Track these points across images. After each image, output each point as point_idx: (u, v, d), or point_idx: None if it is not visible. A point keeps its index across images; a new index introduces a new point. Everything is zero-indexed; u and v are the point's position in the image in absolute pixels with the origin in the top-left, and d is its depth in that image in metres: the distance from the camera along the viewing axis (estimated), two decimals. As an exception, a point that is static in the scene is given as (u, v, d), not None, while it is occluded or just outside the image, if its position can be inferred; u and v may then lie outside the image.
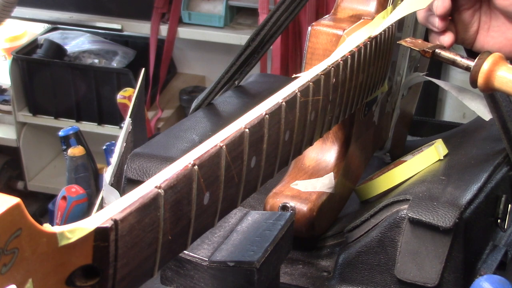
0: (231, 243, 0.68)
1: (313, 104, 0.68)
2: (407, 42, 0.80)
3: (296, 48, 2.20)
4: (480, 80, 0.72)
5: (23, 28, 2.54)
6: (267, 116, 0.60)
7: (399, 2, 0.89)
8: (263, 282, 0.67)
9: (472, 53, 0.80)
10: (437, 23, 0.76)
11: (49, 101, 2.32)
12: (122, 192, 0.85)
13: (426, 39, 1.02)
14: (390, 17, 0.81)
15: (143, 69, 1.14)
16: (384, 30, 0.83)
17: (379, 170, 0.91)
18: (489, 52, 0.72)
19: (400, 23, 0.93)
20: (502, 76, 0.71)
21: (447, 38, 0.77)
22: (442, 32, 0.77)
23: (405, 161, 0.88)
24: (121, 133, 0.94)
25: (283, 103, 0.62)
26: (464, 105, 0.90)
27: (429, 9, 0.76)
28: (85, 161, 1.25)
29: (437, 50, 0.76)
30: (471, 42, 0.79)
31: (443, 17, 0.75)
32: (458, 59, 0.75)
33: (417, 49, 0.77)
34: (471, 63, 0.73)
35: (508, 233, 0.90)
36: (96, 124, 2.31)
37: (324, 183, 0.83)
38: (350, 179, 0.89)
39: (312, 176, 0.84)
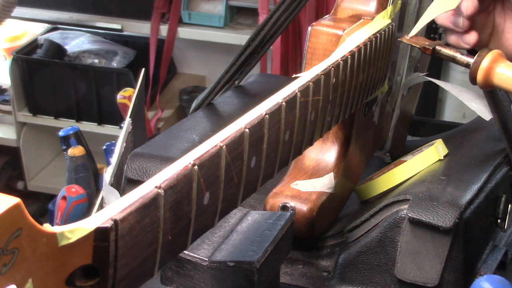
0: (231, 243, 0.68)
1: (313, 104, 0.68)
2: (407, 39, 0.79)
3: (296, 48, 2.20)
4: (480, 77, 0.72)
5: (23, 28, 2.54)
6: (267, 116, 0.60)
7: (399, 2, 0.89)
8: (263, 282, 0.67)
9: (472, 53, 0.80)
10: (462, 23, 0.75)
11: (49, 101, 2.32)
12: (122, 192, 0.85)
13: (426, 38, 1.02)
14: (421, 20, 0.80)
15: (143, 69, 1.13)
16: (384, 30, 0.83)
17: (379, 170, 0.91)
18: (489, 49, 0.72)
19: (400, 23, 0.93)
20: (501, 73, 0.71)
21: (473, 37, 0.76)
22: (467, 31, 0.76)
23: (405, 161, 0.88)
24: (121, 133, 0.94)
25: (283, 103, 0.62)
26: (464, 105, 0.90)
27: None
28: (85, 161, 1.25)
29: (438, 47, 0.76)
30: (485, 44, 0.78)
31: (470, 17, 0.75)
32: (458, 56, 0.75)
33: (418, 46, 0.77)
34: (470, 60, 0.73)
35: (508, 233, 0.90)
36: (96, 124, 2.31)
37: (324, 183, 0.83)
38: (350, 179, 0.89)
39: (312, 176, 0.84)
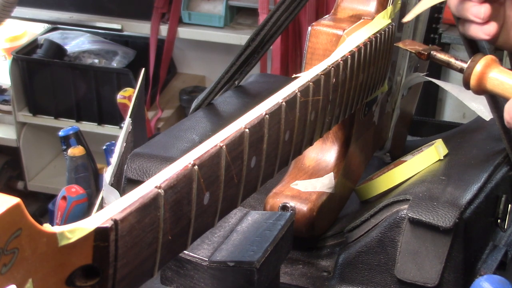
0: (231, 243, 0.68)
1: (313, 104, 0.68)
2: (403, 44, 0.80)
3: (296, 48, 2.20)
4: (473, 82, 0.72)
5: (23, 28, 2.54)
6: (267, 116, 0.60)
7: (399, 2, 0.89)
8: (263, 282, 0.67)
9: (474, 51, 0.79)
10: (483, 13, 0.72)
11: (49, 101, 2.32)
12: (122, 192, 0.85)
13: (426, 39, 1.02)
14: (418, 6, 0.78)
15: (143, 69, 1.13)
16: (384, 30, 0.83)
17: (379, 170, 0.92)
18: (482, 54, 0.72)
19: (400, 23, 0.93)
20: (494, 78, 0.71)
21: (493, 27, 0.73)
22: (486, 22, 0.73)
23: (405, 161, 0.88)
24: (121, 133, 0.94)
25: (283, 103, 0.62)
26: (464, 105, 0.90)
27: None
28: (85, 161, 1.25)
29: (433, 52, 0.76)
30: (495, 38, 0.77)
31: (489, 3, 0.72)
32: (453, 61, 0.75)
33: (413, 51, 0.77)
34: (464, 65, 0.73)
35: (508, 233, 0.90)
36: (96, 124, 2.31)
37: (324, 183, 0.83)
38: (350, 179, 0.89)
39: (312, 176, 0.84)
